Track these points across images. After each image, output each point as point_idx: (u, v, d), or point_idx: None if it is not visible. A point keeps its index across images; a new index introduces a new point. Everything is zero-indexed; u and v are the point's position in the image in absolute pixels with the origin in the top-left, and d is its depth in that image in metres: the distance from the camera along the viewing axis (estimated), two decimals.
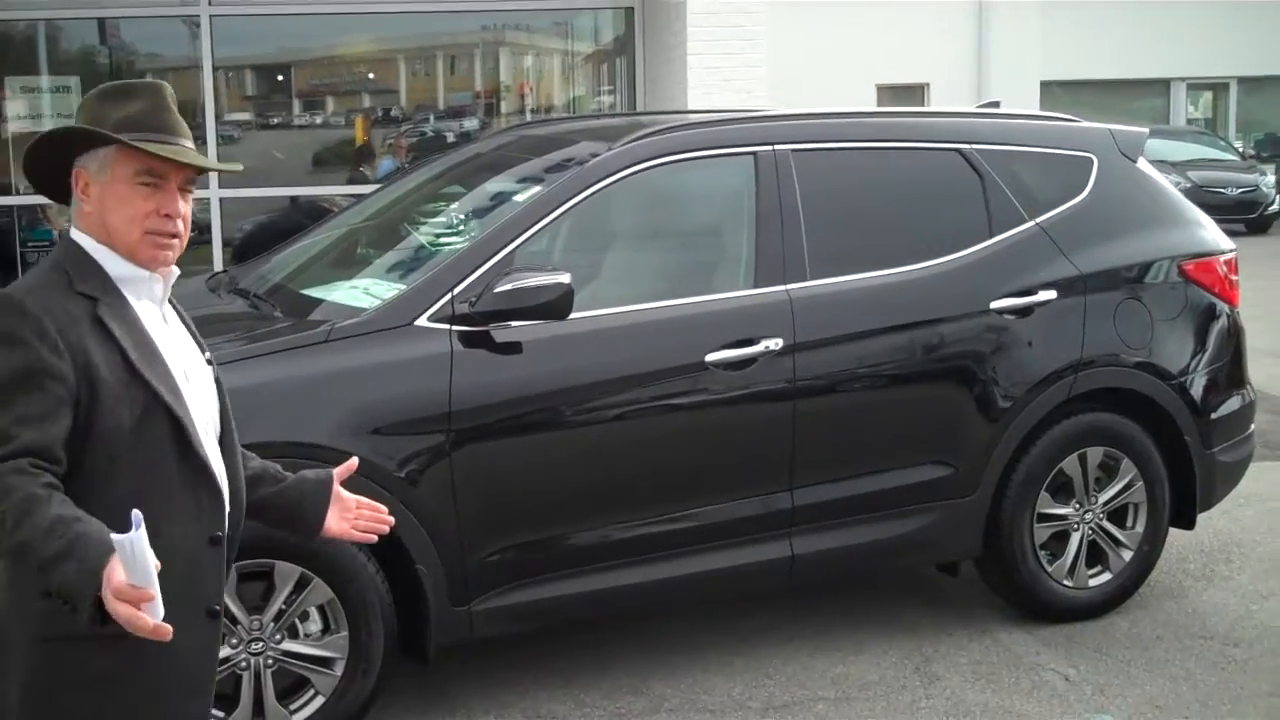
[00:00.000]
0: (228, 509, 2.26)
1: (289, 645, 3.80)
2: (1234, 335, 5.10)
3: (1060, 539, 4.84)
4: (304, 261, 4.86)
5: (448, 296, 3.94)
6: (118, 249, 2.16)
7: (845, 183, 4.61)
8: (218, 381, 2.33)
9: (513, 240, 4.06)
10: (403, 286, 4.11)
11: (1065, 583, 4.83)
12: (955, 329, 4.56)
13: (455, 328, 3.92)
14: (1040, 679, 4.41)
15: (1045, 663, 4.52)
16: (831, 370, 4.36)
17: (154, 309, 2.22)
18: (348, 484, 2.51)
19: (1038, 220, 4.78)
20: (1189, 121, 24.76)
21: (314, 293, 4.36)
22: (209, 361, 2.33)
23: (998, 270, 4.65)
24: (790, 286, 4.35)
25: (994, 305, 4.59)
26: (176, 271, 2.26)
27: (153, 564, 1.86)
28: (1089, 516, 4.83)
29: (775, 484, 4.33)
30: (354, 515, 2.48)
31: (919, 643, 4.68)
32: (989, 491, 4.65)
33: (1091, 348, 4.71)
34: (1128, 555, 4.91)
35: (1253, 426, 5.27)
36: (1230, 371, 5.09)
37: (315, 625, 3.85)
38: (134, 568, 1.85)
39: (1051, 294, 4.68)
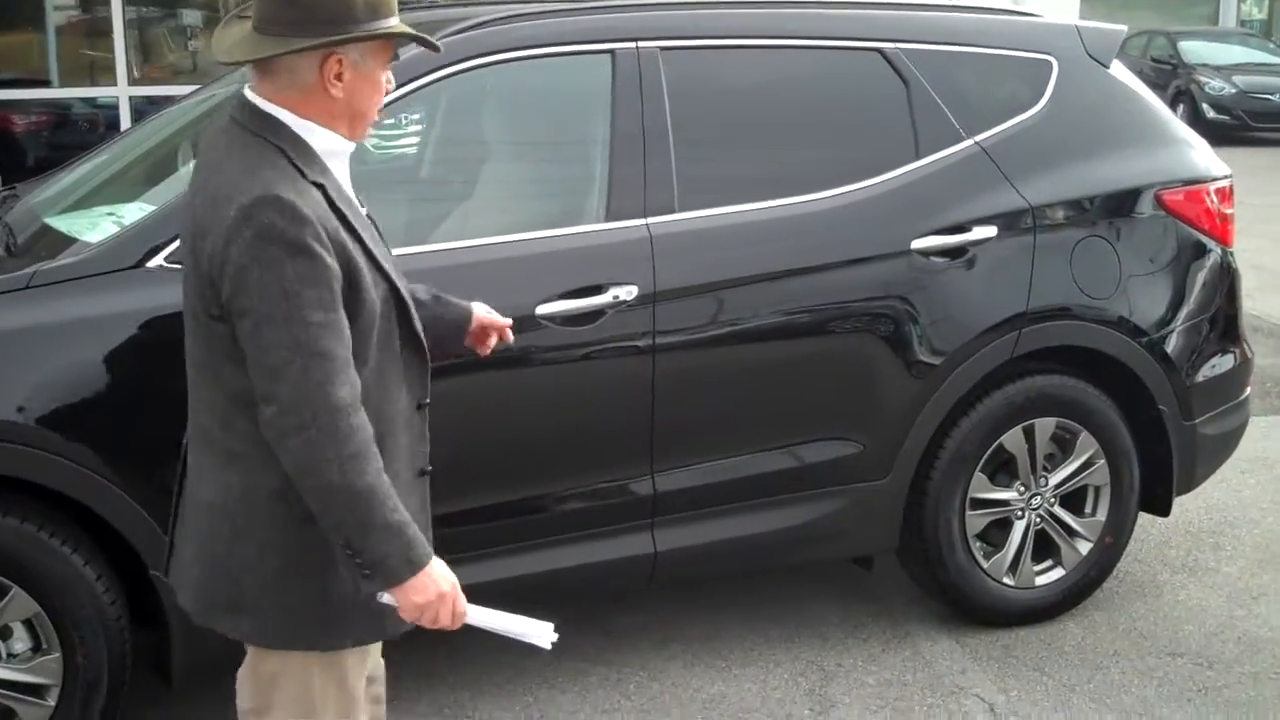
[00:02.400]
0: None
1: None
2: (1225, 281, 4.18)
3: (1002, 528, 3.99)
4: (95, 178, 4.01)
5: None
6: (343, 129, 2.17)
7: (729, 90, 3.70)
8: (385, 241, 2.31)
9: None
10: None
11: (1005, 581, 3.98)
12: (864, 274, 3.67)
13: None
14: (958, 708, 3.57)
15: (969, 685, 3.68)
16: (701, 325, 3.49)
17: (346, 179, 2.22)
18: None
19: (977, 138, 3.86)
20: (1241, 23, 23.55)
21: (59, 223, 3.53)
22: (372, 220, 2.28)
23: (923, 201, 3.75)
24: (652, 220, 3.47)
25: (916, 244, 3.69)
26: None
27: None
28: (1036, 502, 3.97)
29: (630, 467, 3.50)
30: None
31: (821, 653, 3.85)
32: (907, 473, 3.79)
33: (1041, 296, 3.82)
34: (1085, 548, 4.05)
35: (1247, 391, 4.36)
36: (1219, 325, 4.18)
37: (22, 644, 3.07)
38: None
39: (991, 230, 3.77)
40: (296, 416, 2.01)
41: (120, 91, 9.44)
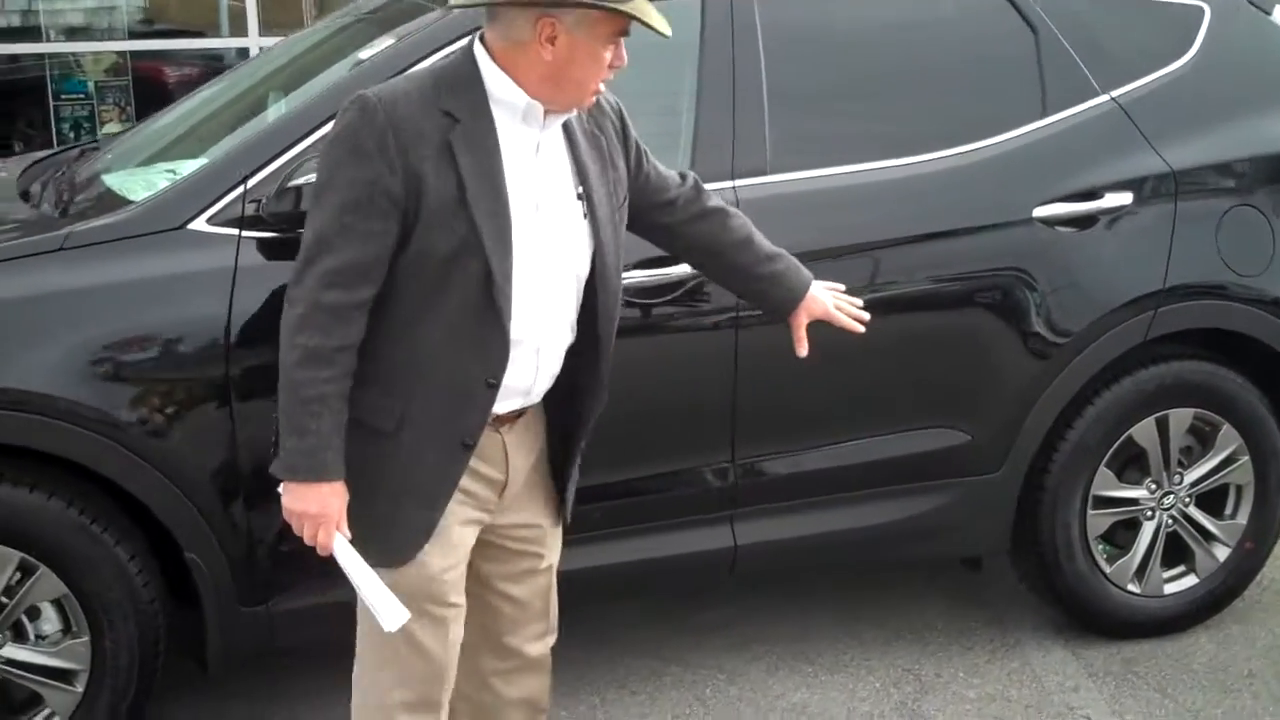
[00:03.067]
0: (539, 358, 2.28)
1: (11, 651, 2.85)
2: None
3: (1129, 529, 3.59)
4: (171, 132, 3.81)
5: (235, 192, 2.86)
6: (548, 93, 2.16)
7: (832, 37, 3.34)
8: (593, 216, 2.28)
9: (324, 120, 2.92)
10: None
11: (1130, 588, 3.59)
12: (978, 244, 3.29)
13: (244, 233, 2.85)
14: None
15: (1080, 705, 3.31)
16: None
17: (529, 135, 2.19)
18: None
19: (1114, 94, 3.44)
20: None
21: (114, 181, 3.32)
22: (580, 196, 2.27)
23: (1049, 163, 3.35)
24: (741, 183, 3.13)
25: (1039, 212, 3.29)
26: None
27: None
28: (1169, 501, 3.56)
29: (709, 451, 3.19)
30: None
31: (919, 661, 3.51)
32: (1021, 467, 3.41)
33: (1181, 272, 3.39)
34: (1223, 553, 3.63)
35: None
36: None
37: (51, 626, 2.90)
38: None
39: (1126, 197, 3.36)
40: (292, 289, 2.15)
41: (251, 42, 9.30)
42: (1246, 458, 3.57)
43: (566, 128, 2.28)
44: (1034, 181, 3.32)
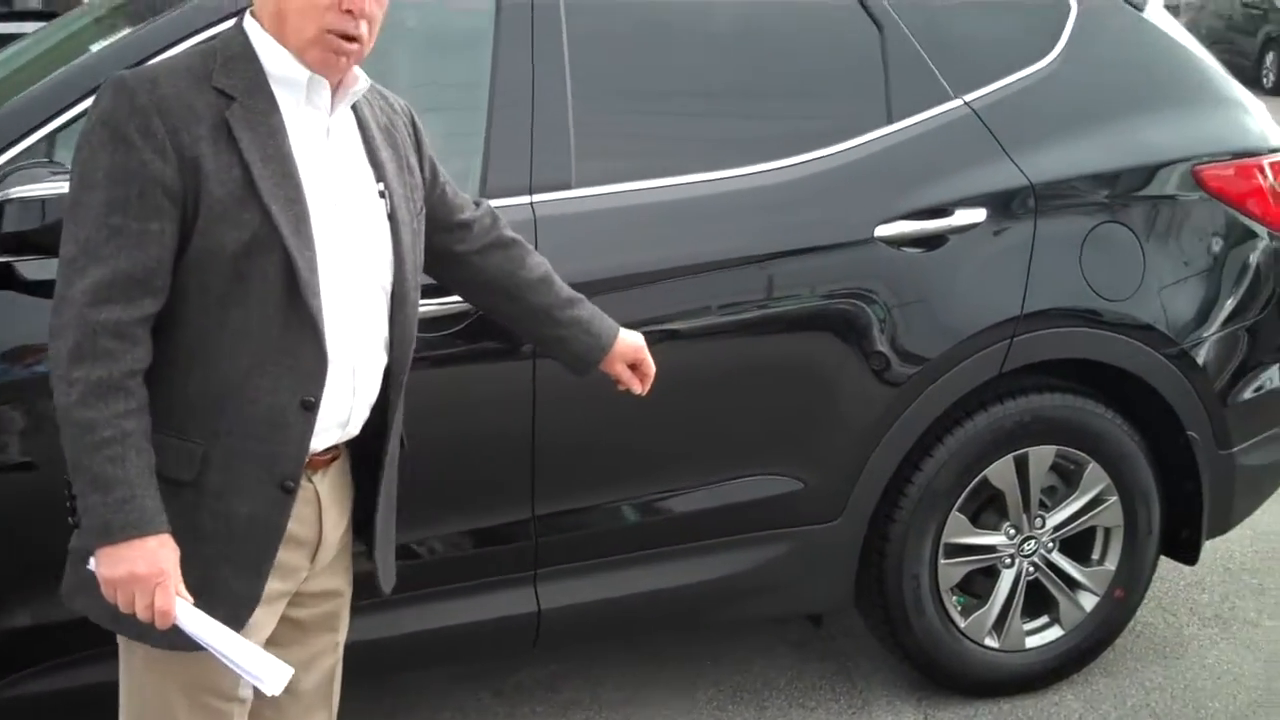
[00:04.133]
0: (356, 375, 1.96)
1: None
2: (1277, 276, 3.39)
3: (988, 577, 3.26)
4: None
5: None
6: (288, 44, 1.88)
7: (648, 36, 2.97)
8: (394, 219, 1.99)
9: (50, 118, 2.51)
10: None
11: (988, 643, 3.26)
12: (811, 268, 2.92)
13: None
14: None
15: None
16: None
17: (316, 118, 1.92)
18: None
19: (968, 98, 3.09)
20: None
21: None
22: (382, 194, 1.99)
23: (894, 176, 3.00)
24: (540, 198, 2.75)
25: (882, 231, 2.94)
26: (365, 83, 1.98)
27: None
28: (1030, 547, 3.23)
29: (505, 505, 2.81)
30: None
31: None
32: (863, 513, 3.06)
33: (1041, 296, 3.05)
34: (1090, 603, 3.32)
35: None
36: (1268, 331, 3.39)
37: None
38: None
39: (979, 214, 3.01)
40: (55, 318, 1.80)
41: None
42: (1115, 498, 3.25)
43: (360, 118, 2.00)
44: (876, 197, 2.97)
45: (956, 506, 3.13)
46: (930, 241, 2.99)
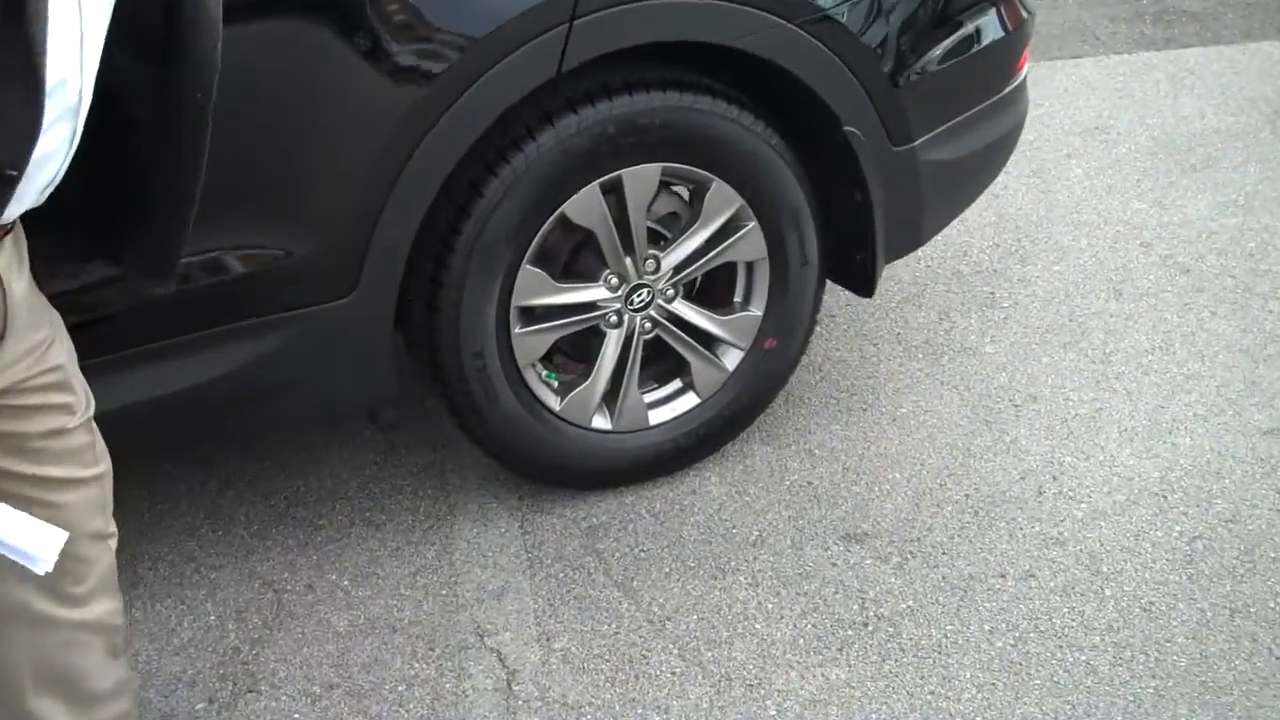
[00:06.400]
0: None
1: None
2: None
3: (585, 342, 2.48)
4: None
5: None
6: None
7: None
8: None
9: None
10: None
11: (597, 424, 2.52)
12: None
13: None
14: (453, 671, 2.17)
15: (490, 624, 2.27)
16: None
17: None
18: None
19: None
20: None
21: None
22: None
23: None
24: None
25: None
26: None
27: None
28: (642, 297, 2.44)
29: None
30: None
31: (292, 567, 2.42)
32: (388, 281, 2.23)
33: None
34: (733, 359, 2.57)
35: (1022, 73, 2.76)
36: None
37: None
38: None
39: None
40: None
41: None
42: (753, 223, 2.45)
43: None
44: None
45: (527, 259, 2.31)
46: None
